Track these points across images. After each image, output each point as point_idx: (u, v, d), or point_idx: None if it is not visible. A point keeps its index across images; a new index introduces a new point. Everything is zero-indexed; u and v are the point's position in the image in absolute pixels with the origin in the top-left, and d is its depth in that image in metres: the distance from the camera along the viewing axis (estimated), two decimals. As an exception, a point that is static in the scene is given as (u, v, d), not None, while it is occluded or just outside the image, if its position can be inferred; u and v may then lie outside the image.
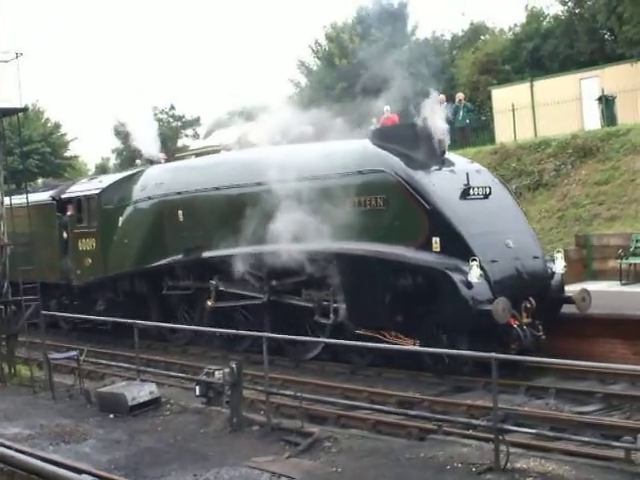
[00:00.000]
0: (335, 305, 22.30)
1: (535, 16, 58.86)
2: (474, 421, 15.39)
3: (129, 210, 28.92)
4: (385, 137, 22.13)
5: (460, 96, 36.07)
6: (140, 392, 18.20)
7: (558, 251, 21.86)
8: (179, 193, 26.84)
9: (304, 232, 21.71)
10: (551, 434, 14.71)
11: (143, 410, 17.82)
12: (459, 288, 19.01)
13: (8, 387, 21.54)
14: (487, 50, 58.46)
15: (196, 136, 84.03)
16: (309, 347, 23.69)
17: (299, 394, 17.78)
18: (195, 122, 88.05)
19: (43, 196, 32.97)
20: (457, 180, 20.61)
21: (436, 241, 19.61)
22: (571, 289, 21.76)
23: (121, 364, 22.24)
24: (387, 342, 20.36)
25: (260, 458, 13.98)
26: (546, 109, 38.25)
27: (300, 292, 23.72)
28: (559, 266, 21.04)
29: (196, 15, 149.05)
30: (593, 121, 36.43)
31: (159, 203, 27.64)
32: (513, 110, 38.89)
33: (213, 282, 25.67)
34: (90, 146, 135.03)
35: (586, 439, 14.16)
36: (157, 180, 28.27)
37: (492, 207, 20.81)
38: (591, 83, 31.41)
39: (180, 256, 26.61)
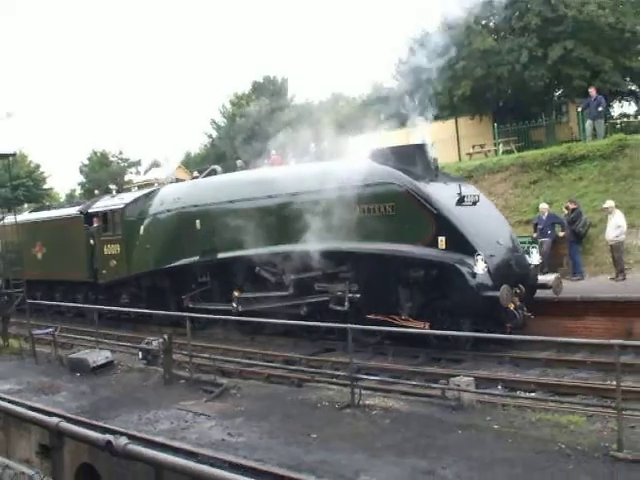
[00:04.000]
0: (350, 295, 19.70)
1: (377, 88, 59.39)
2: (336, 372, 15.48)
3: (149, 221, 26.34)
4: (385, 156, 19.73)
5: (325, 144, 36.09)
6: (99, 357, 18.03)
7: (533, 247, 20.69)
8: (195, 206, 24.31)
9: (321, 234, 19.24)
10: (391, 380, 14.92)
11: (101, 370, 17.58)
12: (467, 278, 17.29)
13: (2, 355, 21.13)
14: (344, 112, 58.85)
15: (138, 173, 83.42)
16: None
17: (213, 356, 17.76)
18: (137, 163, 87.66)
19: (72, 211, 31.07)
20: (451, 190, 18.80)
21: (442, 240, 17.81)
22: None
23: (85, 337, 21.92)
24: (398, 325, 17.96)
25: (186, 402, 13.93)
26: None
27: (314, 286, 20.85)
28: (535, 259, 19.77)
29: (133, 77, 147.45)
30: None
31: (178, 214, 24.99)
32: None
33: (234, 305, 22.71)
34: (61, 180, 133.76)
35: (414, 383, 14.37)
36: (174, 196, 25.67)
37: (481, 212, 19.05)
38: (417, 135, 31.67)
39: (197, 257, 24.01)
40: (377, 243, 18.86)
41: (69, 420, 12.48)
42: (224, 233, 22.68)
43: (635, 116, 41.52)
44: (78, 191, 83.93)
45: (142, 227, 26.34)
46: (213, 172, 28.25)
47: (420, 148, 19.72)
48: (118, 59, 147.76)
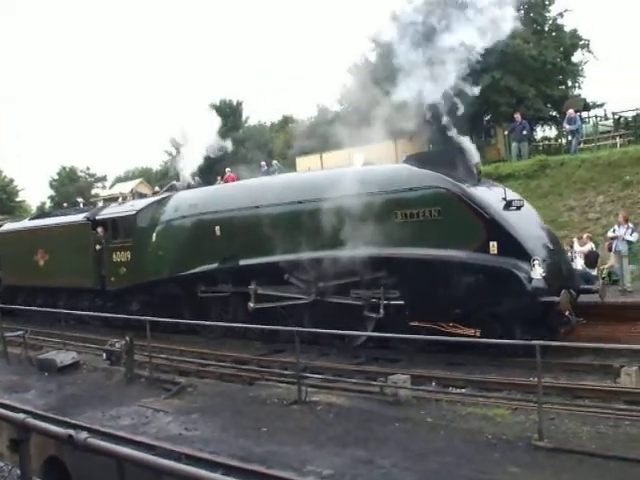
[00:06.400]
0: (385, 302, 17.68)
1: (323, 111, 59.52)
2: (285, 371, 15.37)
3: (162, 227, 23.85)
4: (425, 161, 17.81)
5: (275, 162, 36.16)
6: (66, 357, 17.80)
7: (577, 254, 19.74)
8: (214, 212, 21.87)
9: (359, 240, 17.34)
10: (333, 378, 14.88)
11: (68, 370, 17.34)
12: (524, 283, 15.47)
13: (-24, 356, 20.84)
14: (293, 133, 59.05)
15: (104, 187, 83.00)
16: (353, 338, 18.53)
17: (171, 357, 17.67)
18: (103, 178, 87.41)
19: (78, 217, 28.41)
20: (496, 194, 17.13)
21: (493, 245, 15.91)
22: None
23: (53, 339, 21.58)
24: (445, 332, 16.21)
25: (146, 400, 13.81)
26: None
27: (348, 292, 18.68)
28: (579, 264, 18.86)
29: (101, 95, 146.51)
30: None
31: (195, 221, 22.56)
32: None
33: (252, 287, 20.68)
34: (32, 194, 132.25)
35: (356, 380, 14.36)
36: (190, 202, 23.22)
37: (526, 216, 17.30)
38: (358, 155, 31.75)
39: (216, 264, 21.55)
40: (421, 248, 16.93)
41: (36, 416, 12.31)
42: (247, 239, 20.65)
43: (555, 139, 42.25)
44: (48, 204, 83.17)
45: (154, 234, 24.14)
46: (173, 187, 27.93)
47: (461, 152, 17.81)
48: (83, 80, 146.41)
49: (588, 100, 43.10)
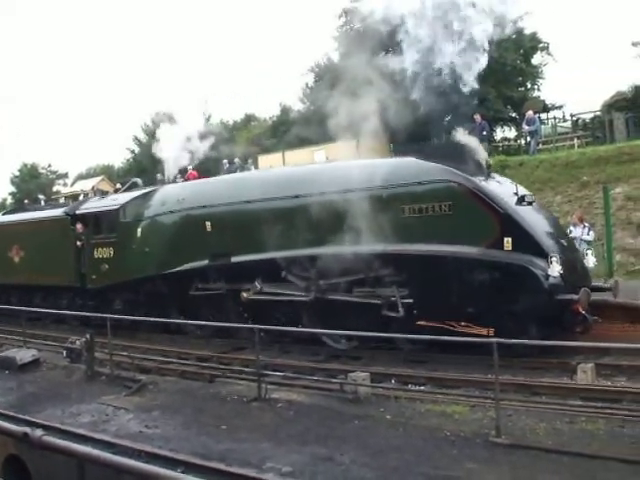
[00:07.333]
0: (402, 300, 16.61)
1: (286, 110, 59.53)
2: (245, 369, 15.31)
3: (148, 223, 22.56)
4: (431, 155, 16.95)
5: (237, 160, 35.98)
6: (26, 355, 17.64)
7: (589, 249, 18.70)
8: (204, 207, 20.72)
9: (363, 236, 16.47)
10: (294, 375, 14.82)
11: (28, 367, 17.18)
12: (541, 281, 14.78)
13: None
14: (255, 132, 58.93)
15: (65, 184, 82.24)
16: (337, 342, 18.00)
17: (132, 354, 17.49)
18: (64, 175, 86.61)
19: (57, 212, 27.14)
20: (507, 189, 16.51)
21: (507, 241, 15.09)
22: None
23: (13, 337, 21.30)
24: (456, 332, 15.12)
25: (106, 397, 13.73)
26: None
27: (350, 290, 17.70)
28: (591, 261, 17.80)
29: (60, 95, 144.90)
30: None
31: (183, 216, 21.35)
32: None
33: (257, 285, 19.36)
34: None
35: (316, 378, 14.33)
36: (178, 197, 21.90)
37: (538, 212, 16.78)
38: (320, 153, 31.69)
39: (207, 261, 20.50)
40: (430, 244, 16.10)
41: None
42: (241, 235, 19.56)
43: (515, 140, 42.72)
44: (9, 201, 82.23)
45: (139, 229, 22.88)
46: (134, 185, 27.59)
47: (470, 146, 17.20)
48: (47, 75, 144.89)
49: (547, 102, 43.66)
